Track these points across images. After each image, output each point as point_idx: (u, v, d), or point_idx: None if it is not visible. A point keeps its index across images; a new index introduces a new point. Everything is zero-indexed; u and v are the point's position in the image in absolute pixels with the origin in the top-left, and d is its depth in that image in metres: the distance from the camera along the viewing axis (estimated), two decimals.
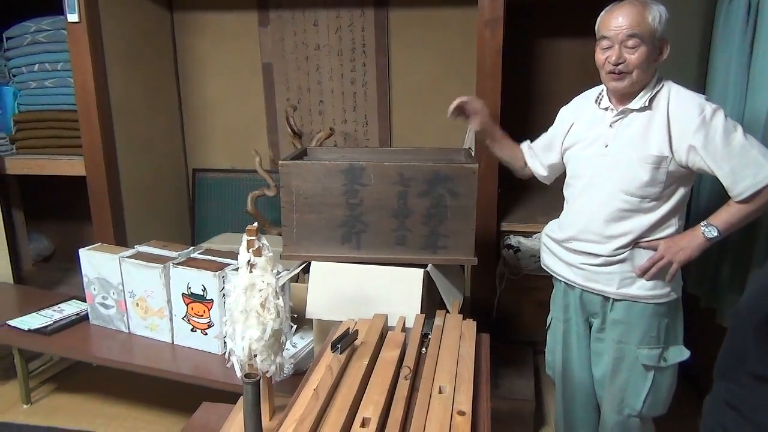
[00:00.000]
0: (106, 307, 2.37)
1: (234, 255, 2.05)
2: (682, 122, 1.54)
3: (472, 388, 1.27)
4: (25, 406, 2.57)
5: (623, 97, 1.63)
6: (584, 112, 1.76)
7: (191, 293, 2.15)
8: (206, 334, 2.17)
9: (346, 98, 3.41)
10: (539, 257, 1.97)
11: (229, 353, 1.29)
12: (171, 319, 2.23)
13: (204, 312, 2.14)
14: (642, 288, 1.66)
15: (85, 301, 2.45)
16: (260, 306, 1.24)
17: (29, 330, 2.39)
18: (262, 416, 1.28)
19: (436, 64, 3.25)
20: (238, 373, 1.27)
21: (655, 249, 1.63)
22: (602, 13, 1.61)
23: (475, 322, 1.61)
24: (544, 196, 3.07)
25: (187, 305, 2.17)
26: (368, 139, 3.46)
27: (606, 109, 1.69)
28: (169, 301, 2.21)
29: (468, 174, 1.85)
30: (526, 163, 1.99)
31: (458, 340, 1.49)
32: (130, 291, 2.28)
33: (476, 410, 1.22)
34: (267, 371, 1.30)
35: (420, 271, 1.87)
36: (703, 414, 1.13)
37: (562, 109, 1.88)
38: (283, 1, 3.32)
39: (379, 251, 1.93)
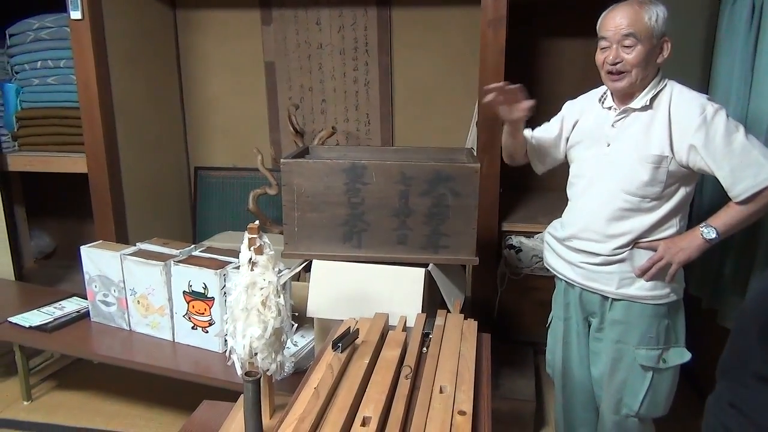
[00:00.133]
0: (107, 304, 2.37)
1: (235, 253, 2.05)
2: (683, 121, 1.54)
3: (472, 387, 1.27)
4: (25, 403, 2.57)
5: (625, 96, 1.63)
6: (589, 111, 1.77)
7: (192, 291, 2.15)
8: (207, 332, 2.17)
9: (349, 97, 3.41)
10: (541, 257, 1.97)
11: (230, 351, 1.29)
12: (172, 317, 2.23)
13: (205, 310, 2.14)
14: (641, 288, 1.66)
15: (86, 299, 2.45)
16: (261, 304, 1.24)
17: (30, 327, 2.39)
18: (263, 415, 1.28)
19: (439, 64, 3.24)
20: (239, 372, 1.27)
21: (654, 249, 1.63)
22: (603, 14, 1.61)
23: (476, 322, 1.61)
24: (546, 197, 3.07)
25: (188, 303, 2.17)
26: (370, 138, 3.45)
27: (609, 108, 1.69)
28: (170, 298, 2.21)
29: (470, 173, 1.85)
30: (527, 154, 1.96)
31: (459, 340, 1.49)
32: (131, 288, 2.28)
33: (477, 410, 1.22)
34: (268, 369, 1.30)
35: (421, 271, 1.87)
36: (706, 414, 1.12)
37: (568, 103, 1.87)
38: None
39: (380, 250, 1.93)
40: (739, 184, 1.50)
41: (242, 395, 1.25)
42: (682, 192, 1.61)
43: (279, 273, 1.29)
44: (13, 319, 2.45)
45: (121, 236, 3.04)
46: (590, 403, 1.89)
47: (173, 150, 3.59)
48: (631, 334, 1.69)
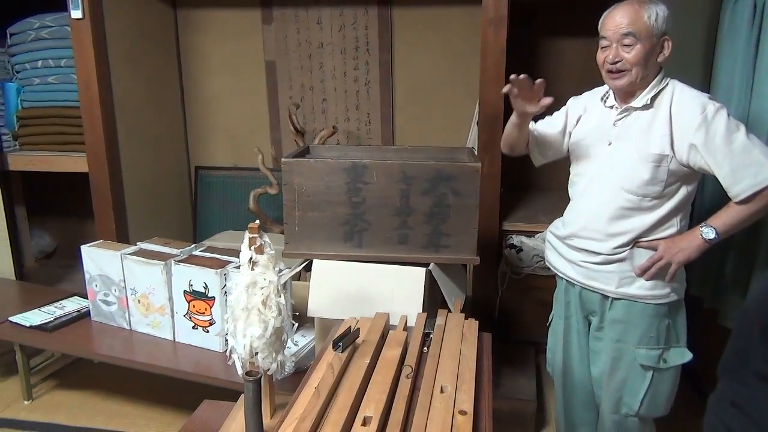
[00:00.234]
0: (108, 304, 2.37)
1: (236, 252, 2.04)
2: (683, 120, 1.54)
3: (473, 387, 1.27)
4: (26, 403, 2.57)
5: (627, 95, 1.63)
6: (592, 109, 1.77)
7: (193, 291, 2.15)
8: (208, 331, 2.17)
9: (349, 96, 3.41)
10: (541, 257, 1.97)
11: (231, 351, 1.29)
12: (172, 317, 2.23)
13: (205, 309, 2.14)
14: (641, 288, 1.66)
15: (87, 298, 2.45)
16: (262, 304, 1.24)
17: (31, 326, 2.39)
18: (263, 414, 1.28)
19: (440, 63, 3.24)
20: (240, 371, 1.27)
21: (654, 249, 1.63)
22: (604, 13, 1.61)
23: (477, 322, 1.60)
24: (547, 196, 3.07)
25: (188, 302, 2.17)
26: (371, 138, 3.45)
27: (611, 107, 1.70)
28: (170, 298, 2.21)
29: (471, 173, 1.85)
30: (528, 145, 1.94)
31: (460, 340, 1.49)
32: (132, 288, 2.28)
33: (478, 410, 1.22)
34: (268, 369, 1.30)
35: (422, 270, 1.87)
36: (707, 413, 1.12)
37: (572, 99, 1.87)
38: None
39: (381, 250, 1.92)
40: (738, 184, 1.50)
41: (243, 395, 1.25)
42: (683, 191, 1.61)
43: (279, 272, 1.29)
44: (13, 319, 2.45)
45: (122, 236, 3.05)
46: (591, 403, 1.89)
47: (174, 149, 3.59)
48: (631, 333, 1.69)
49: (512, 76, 1.64)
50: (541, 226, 2.58)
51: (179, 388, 2.32)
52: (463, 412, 1.17)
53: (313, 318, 1.97)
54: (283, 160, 1.91)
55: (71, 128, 3.06)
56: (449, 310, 1.72)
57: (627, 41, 1.54)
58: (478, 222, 1.89)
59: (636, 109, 1.62)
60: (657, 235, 1.63)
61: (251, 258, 1.24)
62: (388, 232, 1.91)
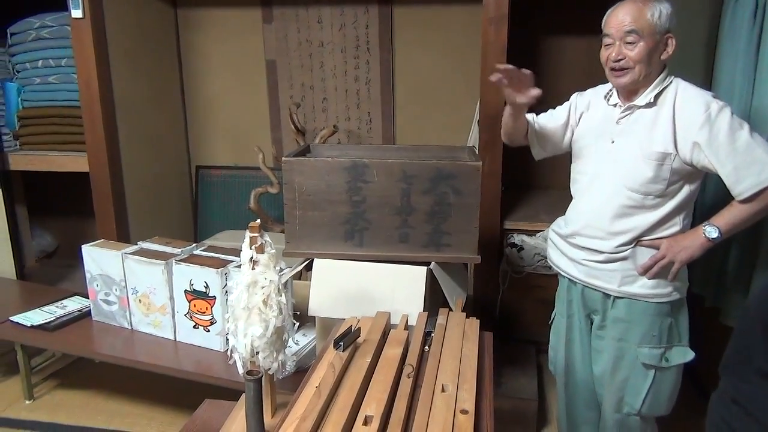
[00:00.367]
0: (109, 303, 2.37)
1: (237, 252, 2.04)
2: (687, 119, 1.54)
3: (475, 386, 1.26)
4: (27, 402, 2.57)
5: (630, 93, 1.63)
6: (595, 107, 1.77)
7: (194, 290, 2.15)
8: (209, 331, 2.17)
9: (350, 95, 3.41)
10: (543, 256, 1.96)
11: (232, 350, 1.29)
12: (173, 316, 2.23)
13: (206, 309, 2.14)
14: (643, 287, 1.65)
15: (88, 298, 2.45)
16: (263, 303, 1.24)
17: (32, 326, 2.39)
18: (264, 413, 1.28)
19: (440, 62, 3.24)
20: (240, 371, 1.27)
21: (657, 248, 1.63)
22: (608, 11, 1.61)
23: (478, 321, 1.60)
24: (548, 195, 3.07)
25: (189, 302, 2.17)
26: (371, 137, 3.45)
27: (614, 105, 1.69)
28: (171, 297, 2.21)
29: (471, 171, 1.84)
30: (526, 134, 1.93)
31: (461, 339, 1.49)
32: (133, 287, 2.28)
33: (479, 409, 1.21)
34: (269, 368, 1.30)
35: (423, 269, 1.87)
36: (709, 410, 1.12)
37: (576, 94, 1.86)
38: None
39: (382, 249, 1.92)
40: (742, 183, 1.50)
41: (244, 394, 1.24)
42: (686, 190, 1.61)
43: (280, 272, 1.29)
44: (14, 318, 2.45)
45: (123, 235, 3.05)
46: (593, 402, 1.89)
47: (174, 149, 3.59)
48: (633, 332, 1.69)
49: (497, 64, 1.65)
50: (543, 225, 2.58)
51: (180, 387, 2.32)
52: (464, 412, 1.17)
53: (314, 317, 1.97)
54: (283, 159, 1.91)
55: (72, 128, 3.06)
56: (450, 309, 1.72)
57: (630, 39, 1.54)
58: (479, 221, 1.89)
59: (639, 107, 1.61)
60: (660, 234, 1.63)
61: (252, 257, 1.24)
62: (389, 231, 1.91)
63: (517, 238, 2.65)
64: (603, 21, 1.62)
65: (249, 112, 3.57)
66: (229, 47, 3.48)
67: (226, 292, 2.07)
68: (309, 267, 1.99)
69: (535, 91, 1.67)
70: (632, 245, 1.64)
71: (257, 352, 1.26)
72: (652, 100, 1.59)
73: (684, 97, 1.56)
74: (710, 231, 1.56)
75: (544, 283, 2.54)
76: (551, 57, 3.10)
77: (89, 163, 2.97)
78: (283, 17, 3.36)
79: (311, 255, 1.96)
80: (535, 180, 3.24)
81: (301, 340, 2.17)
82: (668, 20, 1.54)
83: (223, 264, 2.12)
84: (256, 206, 3.04)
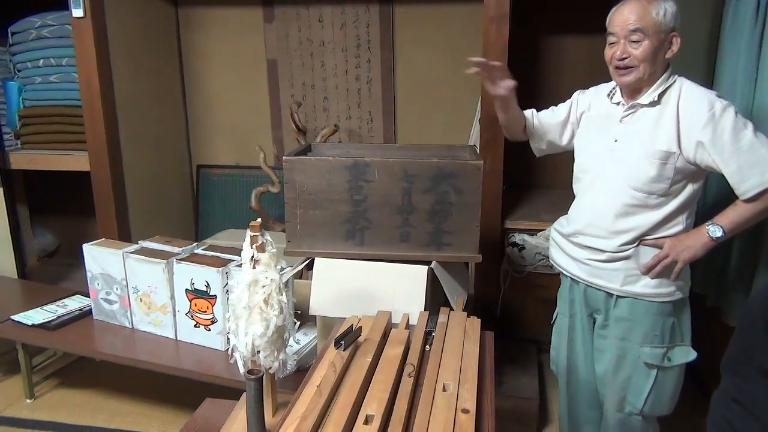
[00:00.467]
0: (110, 302, 2.37)
1: (238, 251, 2.03)
2: (690, 118, 1.53)
3: (476, 385, 1.26)
4: (28, 401, 2.58)
5: (634, 92, 1.63)
6: (598, 105, 1.76)
7: (195, 289, 2.14)
8: (209, 330, 2.17)
9: (351, 95, 3.41)
10: (544, 255, 1.96)
11: (232, 349, 1.29)
12: (174, 315, 2.23)
13: (207, 308, 2.14)
14: (646, 286, 1.65)
15: (89, 297, 2.45)
16: (263, 302, 1.24)
17: (33, 325, 2.40)
18: (265, 413, 1.27)
19: (441, 61, 3.23)
20: (241, 370, 1.26)
21: (660, 247, 1.62)
22: (612, 9, 1.61)
23: (479, 320, 1.60)
24: (549, 194, 3.07)
25: (190, 301, 2.17)
26: (372, 136, 3.45)
27: (617, 104, 1.69)
28: (172, 296, 2.21)
29: (473, 170, 1.84)
30: (525, 128, 1.94)
31: (462, 338, 1.49)
32: (134, 286, 2.28)
33: (480, 408, 1.21)
34: (270, 367, 1.29)
35: (424, 268, 1.87)
36: (710, 410, 1.12)
37: (578, 92, 1.86)
38: None
39: (383, 248, 1.92)
40: (746, 182, 1.49)
41: (245, 393, 1.24)
42: (689, 189, 1.60)
43: (281, 271, 1.28)
44: (15, 317, 2.45)
45: (124, 234, 3.05)
46: (594, 401, 1.88)
47: (175, 148, 3.59)
48: (635, 331, 1.68)
49: (469, 58, 1.68)
50: (544, 224, 2.57)
51: (181, 386, 2.32)
52: (465, 411, 1.17)
53: (315, 316, 1.97)
54: (284, 158, 1.91)
55: (73, 127, 3.06)
56: (451, 309, 1.72)
57: (635, 37, 1.54)
58: (480, 220, 1.89)
59: (643, 105, 1.61)
60: (663, 233, 1.63)
61: (253, 256, 1.24)
62: (390, 230, 1.91)
63: (518, 238, 2.65)
64: (607, 19, 1.61)
65: (250, 112, 3.56)
66: (230, 46, 3.48)
67: (227, 291, 2.07)
68: (310, 266, 1.99)
69: (509, 83, 1.71)
70: (635, 244, 1.64)
71: (258, 351, 1.26)
72: (656, 99, 1.58)
73: (688, 96, 1.56)
74: (714, 230, 1.56)
75: (545, 282, 2.54)
76: (552, 56, 3.09)
77: (90, 163, 2.97)
78: (283, 16, 3.35)
79: (312, 254, 1.95)
80: (536, 179, 3.24)
81: (302, 339, 2.17)
82: (673, 19, 1.53)
83: (224, 263, 2.12)
84: (257, 205, 3.04)
